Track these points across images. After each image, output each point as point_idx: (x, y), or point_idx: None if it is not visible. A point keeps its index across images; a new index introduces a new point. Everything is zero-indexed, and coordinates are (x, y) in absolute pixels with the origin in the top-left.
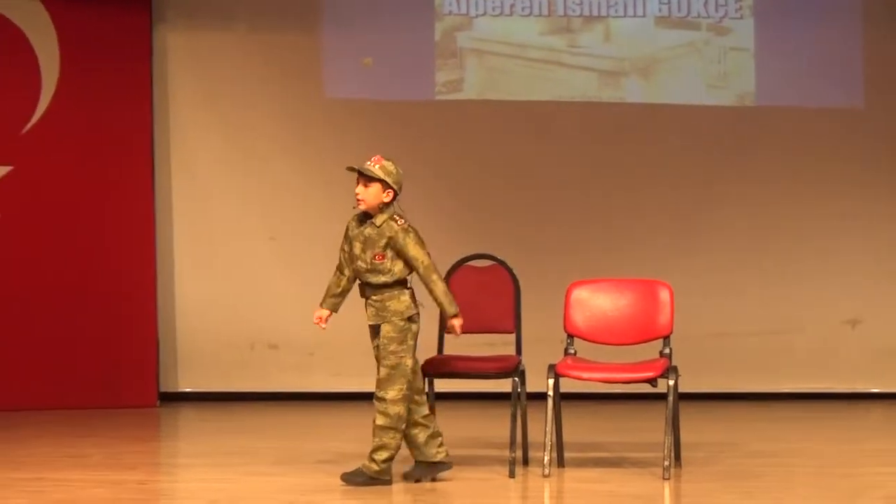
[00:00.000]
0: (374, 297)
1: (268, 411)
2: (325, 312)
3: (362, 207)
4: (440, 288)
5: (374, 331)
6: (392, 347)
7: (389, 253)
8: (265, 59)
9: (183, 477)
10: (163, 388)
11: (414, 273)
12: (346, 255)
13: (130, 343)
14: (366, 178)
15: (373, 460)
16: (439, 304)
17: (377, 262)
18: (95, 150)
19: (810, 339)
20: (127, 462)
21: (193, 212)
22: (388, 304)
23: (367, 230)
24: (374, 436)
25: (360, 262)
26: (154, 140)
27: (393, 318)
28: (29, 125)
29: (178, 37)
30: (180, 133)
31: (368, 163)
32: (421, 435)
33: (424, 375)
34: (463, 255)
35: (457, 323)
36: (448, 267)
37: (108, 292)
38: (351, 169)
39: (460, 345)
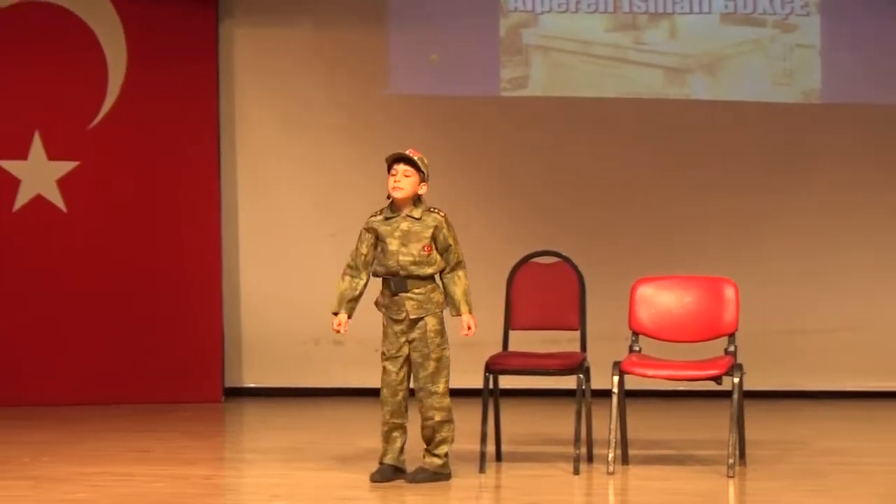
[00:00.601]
0: (416, 290)
1: (332, 407)
2: (345, 317)
3: (398, 195)
4: (466, 283)
5: (411, 325)
6: (438, 340)
7: (432, 244)
8: (330, 54)
9: (247, 472)
10: (227, 384)
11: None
12: (366, 256)
13: (196, 339)
14: (408, 167)
15: (435, 455)
16: (461, 299)
17: (425, 253)
18: (162, 145)
19: (877, 337)
20: (191, 457)
21: (258, 207)
22: (431, 296)
23: (403, 224)
24: (434, 431)
25: (402, 257)
26: (220, 135)
27: (436, 311)
28: (96, 121)
29: (244, 33)
30: (246, 129)
31: (409, 153)
32: (401, 439)
33: (490, 372)
34: (528, 252)
35: (472, 322)
36: (513, 264)
37: (174, 288)
38: (397, 156)
39: (525, 341)
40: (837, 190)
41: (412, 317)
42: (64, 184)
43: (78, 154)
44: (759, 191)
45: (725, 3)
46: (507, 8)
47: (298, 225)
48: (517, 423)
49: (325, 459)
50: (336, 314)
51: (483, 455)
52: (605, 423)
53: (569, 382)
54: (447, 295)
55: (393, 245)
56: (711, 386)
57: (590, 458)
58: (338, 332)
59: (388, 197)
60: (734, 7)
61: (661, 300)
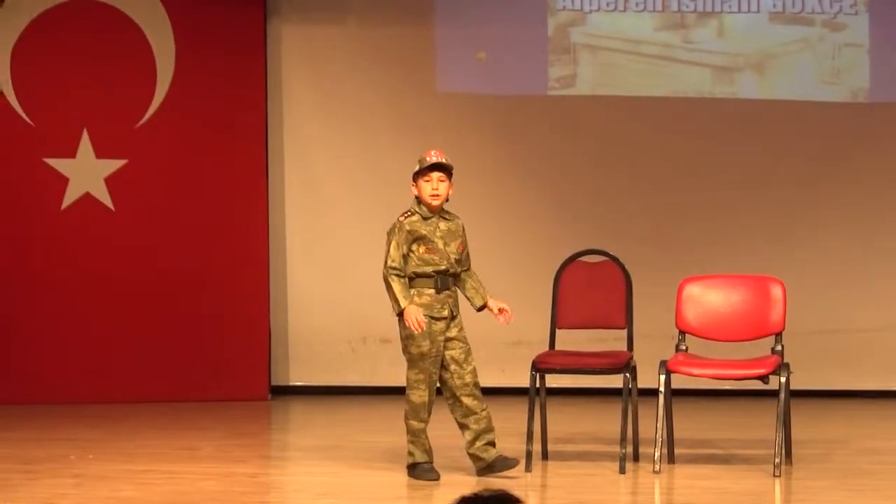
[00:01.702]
0: (453, 289)
1: (378, 405)
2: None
3: (437, 203)
4: (478, 277)
5: (449, 323)
6: (465, 335)
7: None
8: (378, 52)
9: (293, 470)
10: (274, 382)
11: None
12: (405, 257)
13: (242, 336)
14: (443, 172)
15: (494, 444)
16: (481, 293)
17: (461, 251)
18: (209, 143)
19: None
20: (237, 455)
21: (306, 205)
22: (457, 294)
23: (442, 224)
24: (490, 422)
25: (452, 255)
26: (268, 133)
27: (458, 308)
28: (144, 119)
29: (291, 30)
30: (294, 126)
31: (440, 158)
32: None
33: (537, 371)
34: (575, 251)
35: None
36: (559, 263)
37: (221, 286)
38: (434, 164)
39: (572, 340)
40: (885, 189)
41: (446, 315)
42: (112, 182)
43: (126, 152)
44: (806, 190)
45: (774, 2)
46: (556, 6)
47: (346, 222)
48: (563, 421)
49: (371, 458)
50: (404, 310)
51: (529, 454)
52: (651, 423)
53: (615, 381)
54: (469, 289)
55: (440, 244)
56: (758, 385)
57: (636, 458)
58: (421, 328)
59: (420, 202)
60: (782, 6)
61: (707, 299)
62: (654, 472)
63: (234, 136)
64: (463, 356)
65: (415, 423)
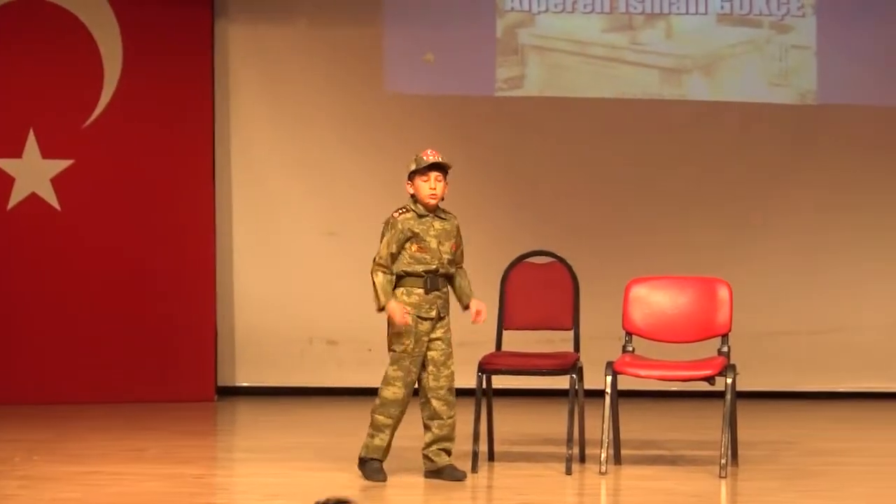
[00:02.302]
0: (444, 289)
1: (325, 407)
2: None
3: (434, 202)
4: (467, 276)
5: (435, 324)
6: (449, 337)
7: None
8: (326, 53)
9: (239, 471)
10: (220, 383)
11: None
12: (394, 255)
13: (189, 337)
14: (444, 172)
15: (450, 453)
16: (468, 292)
17: (453, 251)
18: (157, 144)
19: (869, 338)
20: (183, 456)
21: (253, 206)
22: (448, 295)
23: (437, 223)
24: (453, 430)
25: (444, 255)
26: (215, 134)
27: (448, 309)
28: (90, 119)
29: (239, 31)
30: (241, 127)
31: (437, 158)
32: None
33: (483, 372)
34: (522, 252)
35: (482, 305)
36: (507, 263)
37: (168, 286)
38: (433, 164)
39: (519, 341)
40: (832, 191)
41: (434, 315)
42: (58, 182)
43: (72, 152)
44: (753, 191)
45: (722, 4)
46: (504, 8)
47: (294, 223)
48: (510, 423)
49: (318, 459)
50: (384, 307)
51: (476, 455)
52: (597, 424)
53: (562, 382)
54: (458, 288)
55: (433, 243)
56: (704, 386)
57: (582, 459)
58: (406, 321)
59: (416, 200)
60: (730, 8)
61: (654, 300)
62: (601, 473)
63: (182, 136)
64: (443, 358)
65: (381, 418)
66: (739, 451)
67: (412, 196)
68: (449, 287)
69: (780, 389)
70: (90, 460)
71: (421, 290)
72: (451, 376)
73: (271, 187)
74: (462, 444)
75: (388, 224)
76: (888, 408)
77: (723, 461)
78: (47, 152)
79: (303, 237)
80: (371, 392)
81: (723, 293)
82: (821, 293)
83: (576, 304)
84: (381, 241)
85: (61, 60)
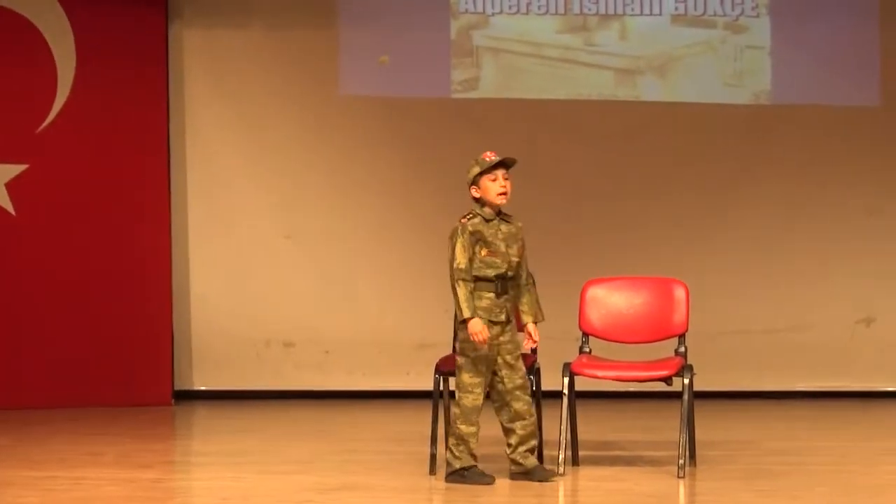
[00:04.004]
0: (511, 293)
1: (283, 409)
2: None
3: (504, 202)
4: (537, 295)
5: (503, 328)
6: (517, 338)
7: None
8: (281, 56)
9: (197, 475)
10: (177, 387)
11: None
12: (471, 261)
13: (145, 341)
14: (506, 170)
15: (535, 452)
16: (530, 312)
17: (520, 254)
18: (111, 147)
19: (825, 338)
20: (141, 460)
21: (209, 209)
22: (513, 298)
23: (503, 227)
24: (535, 428)
25: (513, 258)
26: (170, 137)
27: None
28: (45, 123)
29: (193, 34)
30: (196, 130)
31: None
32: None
33: (440, 374)
34: None
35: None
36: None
37: (123, 291)
38: (500, 161)
39: None
40: (786, 191)
41: (503, 320)
42: (12, 187)
43: (27, 157)
44: (709, 191)
45: (676, 5)
46: (458, 9)
47: (250, 226)
48: None
49: (276, 462)
50: (468, 321)
51: (433, 457)
52: (555, 425)
53: None
54: (524, 304)
55: (502, 247)
56: (662, 387)
57: (540, 460)
58: (483, 340)
59: (482, 204)
60: (684, 9)
61: (611, 301)
62: (559, 474)
63: (136, 140)
64: (513, 360)
65: (465, 428)
66: (697, 452)
67: (476, 200)
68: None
69: (737, 389)
70: (48, 465)
71: (492, 295)
72: (524, 375)
73: (227, 190)
74: (419, 447)
75: (457, 231)
76: (846, 407)
77: (681, 461)
78: (1, 157)
79: (259, 240)
80: (328, 394)
81: (679, 293)
82: (778, 292)
83: None
84: (451, 250)
85: (14, 63)
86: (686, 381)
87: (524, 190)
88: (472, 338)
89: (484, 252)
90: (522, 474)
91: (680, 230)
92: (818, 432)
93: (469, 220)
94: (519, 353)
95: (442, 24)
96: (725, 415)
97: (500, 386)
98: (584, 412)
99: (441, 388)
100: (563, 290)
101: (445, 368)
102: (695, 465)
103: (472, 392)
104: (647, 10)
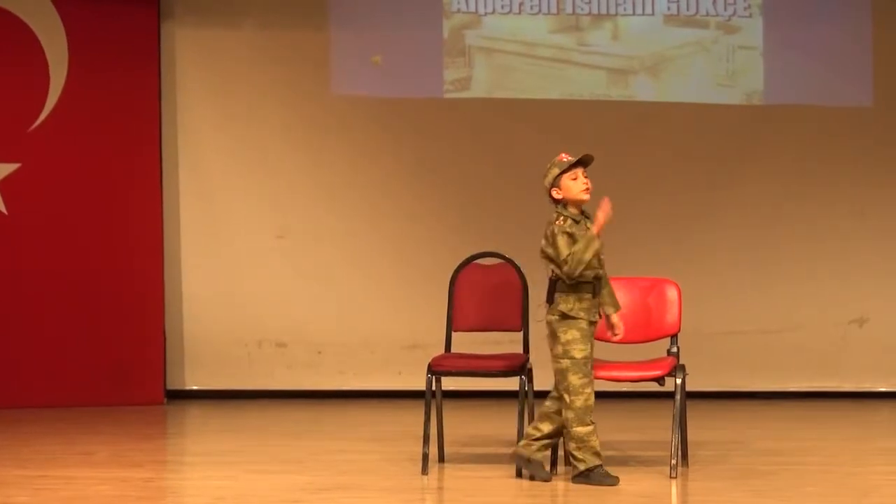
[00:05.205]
0: (598, 291)
1: (275, 409)
2: None
3: (587, 197)
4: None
5: (595, 327)
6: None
7: None
8: (273, 55)
9: (189, 475)
10: (170, 386)
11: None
12: None
13: (138, 341)
14: (585, 168)
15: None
16: (612, 302)
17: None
18: (103, 147)
19: (818, 338)
20: (133, 459)
21: (201, 209)
22: None
23: (590, 225)
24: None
25: (601, 256)
26: (162, 137)
27: None
28: (37, 122)
29: (186, 33)
30: (188, 130)
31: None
32: None
33: (432, 373)
34: (471, 254)
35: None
36: (455, 265)
37: (116, 290)
38: (579, 160)
39: (469, 342)
40: (778, 192)
41: (597, 320)
42: (5, 186)
43: (19, 156)
44: (702, 192)
45: (668, 5)
46: (451, 9)
47: (242, 225)
48: (460, 424)
49: (268, 462)
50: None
51: (426, 457)
52: None
53: (511, 384)
54: (606, 296)
55: None
56: (654, 387)
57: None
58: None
59: (565, 204)
60: (677, 9)
61: None
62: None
63: (129, 139)
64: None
65: (581, 429)
66: (689, 452)
67: (558, 202)
68: None
69: (729, 389)
70: (39, 464)
71: (590, 295)
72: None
73: (219, 190)
74: (412, 446)
75: (555, 232)
76: (838, 407)
77: (673, 461)
78: None
79: (251, 240)
80: (320, 394)
81: (672, 294)
82: (771, 293)
83: (525, 305)
84: (554, 248)
85: (6, 63)
86: (678, 381)
87: (516, 190)
88: (605, 216)
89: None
90: (524, 460)
91: (672, 230)
92: (810, 432)
93: (561, 222)
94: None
95: (434, 23)
96: (717, 415)
97: None
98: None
99: (433, 388)
100: None
101: (439, 368)
102: (687, 465)
103: (582, 393)
104: (639, 10)
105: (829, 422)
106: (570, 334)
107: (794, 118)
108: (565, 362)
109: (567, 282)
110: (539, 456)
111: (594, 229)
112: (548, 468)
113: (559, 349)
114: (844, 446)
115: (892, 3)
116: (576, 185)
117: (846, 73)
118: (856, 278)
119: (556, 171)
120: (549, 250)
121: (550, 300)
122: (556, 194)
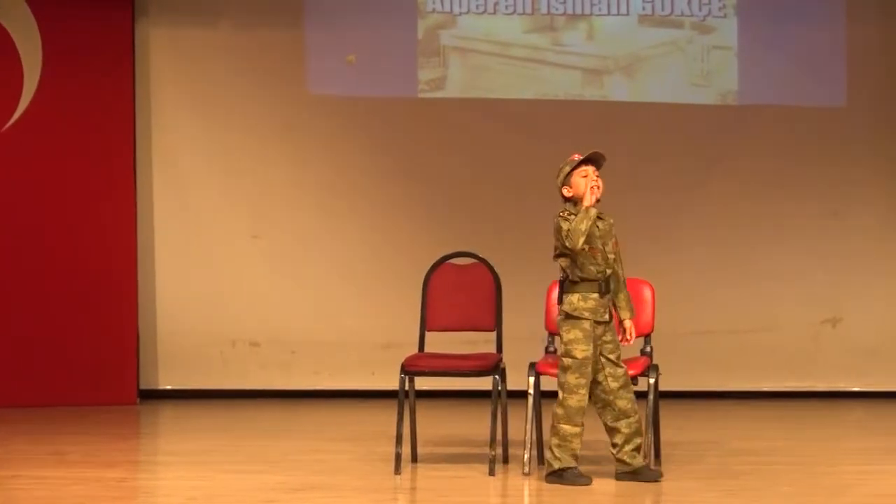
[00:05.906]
0: (611, 291)
1: (248, 409)
2: None
3: (599, 195)
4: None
5: (605, 327)
6: (615, 337)
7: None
8: (248, 55)
9: (162, 474)
10: (143, 386)
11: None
12: (576, 258)
13: (110, 340)
14: (595, 167)
15: (640, 450)
16: (627, 308)
17: (615, 252)
18: (77, 147)
19: (791, 338)
20: (106, 459)
21: (175, 209)
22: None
23: (600, 224)
24: (640, 426)
25: (610, 256)
26: (136, 137)
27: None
28: (10, 122)
29: (160, 33)
30: (162, 130)
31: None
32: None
33: (405, 373)
34: (444, 253)
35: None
36: (429, 265)
37: (89, 290)
38: (591, 159)
39: (442, 342)
40: (752, 192)
41: (611, 316)
42: None
43: None
44: (675, 192)
45: (643, 5)
46: (425, 9)
47: (216, 225)
48: (433, 424)
49: (242, 461)
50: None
51: (398, 456)
52: (520, 424)
53: (485, 384)
54: (622, 300)
55: (599, 244)
56: None
57: (505, 460)
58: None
59: (571, 200)
60: (652, 9)
61: None
62: (524, 473)
63: (102, 139)
64: (615, 357)
65: (569, 428)
66: (663, 451)
67: (568, 200)
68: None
69: (703, 389)
70: (11, 464)
71: (596, 295)
72: (626, 373)
73: (193, 190)
74: (385, 446)
75: (559, 220)
76: (811, 407)
77: (646, 461)
78: None
79: (225, 239)
80: (293, 394)
81: (645, 294)
82: (745, 293)
83: (498, 305)
84: (556, 234)
85: None
86: (652, 380)
87: (490, 189)
88: (591, 192)
89: (587, 250)
90: (629, 474)
91: (646, 230)
92: (783, 432)
93: (566, 213)
94: (619, 351)
95: (409, 23)
96: (691, 415)
97: (603, 384)
98: (550, 412)
99: (406, 387)
100: (528, 289)
101: (412, 368)
102: (660, 465)
103: (577, 393)
104: (614, 10)
105: (803, 422)
106: (572, 334)
107: (769, 118)
108: (566, 361)
109: (576, 273)
110: (637, 462)
111: (585, 203)
112: (653, 468)
113: (562, 348)
114: (817, 446)
115: (865, 4)
116: (584, 182)
117: (820, 73)
118: (829, 278)
119: (567, 168)
120: (556, 241)
121: (560, 300)
122: (566, 192)
